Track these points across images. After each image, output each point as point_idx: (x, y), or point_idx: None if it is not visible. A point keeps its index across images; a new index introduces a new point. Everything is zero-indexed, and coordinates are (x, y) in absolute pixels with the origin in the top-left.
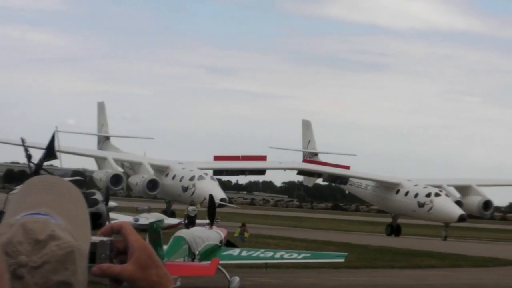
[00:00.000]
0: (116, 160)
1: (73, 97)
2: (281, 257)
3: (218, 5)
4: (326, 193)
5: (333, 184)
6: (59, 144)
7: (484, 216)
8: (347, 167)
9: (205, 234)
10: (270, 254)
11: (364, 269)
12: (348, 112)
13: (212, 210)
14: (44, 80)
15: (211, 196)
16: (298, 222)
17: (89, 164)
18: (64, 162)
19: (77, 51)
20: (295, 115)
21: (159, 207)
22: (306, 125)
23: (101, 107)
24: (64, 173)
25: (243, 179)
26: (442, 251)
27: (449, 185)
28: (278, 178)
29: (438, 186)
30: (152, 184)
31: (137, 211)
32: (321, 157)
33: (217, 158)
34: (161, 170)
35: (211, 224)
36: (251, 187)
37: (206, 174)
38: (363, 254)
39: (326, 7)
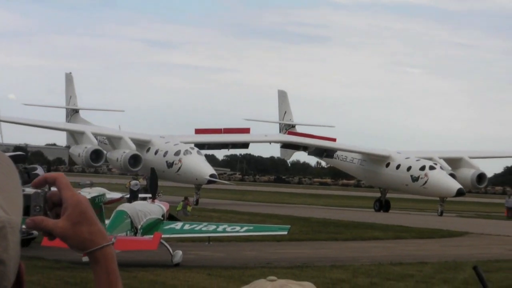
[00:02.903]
0: (93, 134)
1: (14, 72)
2: (224, 230)
3: None
4: (268, 165)
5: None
6: None
7: (478, 190)
8: (334, 139)
9: (147, 208)
10: (212, 227)
11: (307, 241)
12: (290, 85)
13: (153, 183)
14: None
15: (152, 169)
16: (240, 195)
17: (31, 139)
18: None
19: (18, 27)
20: (236, 88)
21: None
22: (282, 96)
23: (69, 78)
24: (5, 148)
25: None
26: (385, 223)
27: (440, 158)
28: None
29: (429, 159)
30: (134, 160)
31: (79, 185)
32: (298, 129)
33: (198, 131)
34: (142, 144)
35: (153, 198)
36: None
37: (193, 148)
38: (306, 226)
39: None
